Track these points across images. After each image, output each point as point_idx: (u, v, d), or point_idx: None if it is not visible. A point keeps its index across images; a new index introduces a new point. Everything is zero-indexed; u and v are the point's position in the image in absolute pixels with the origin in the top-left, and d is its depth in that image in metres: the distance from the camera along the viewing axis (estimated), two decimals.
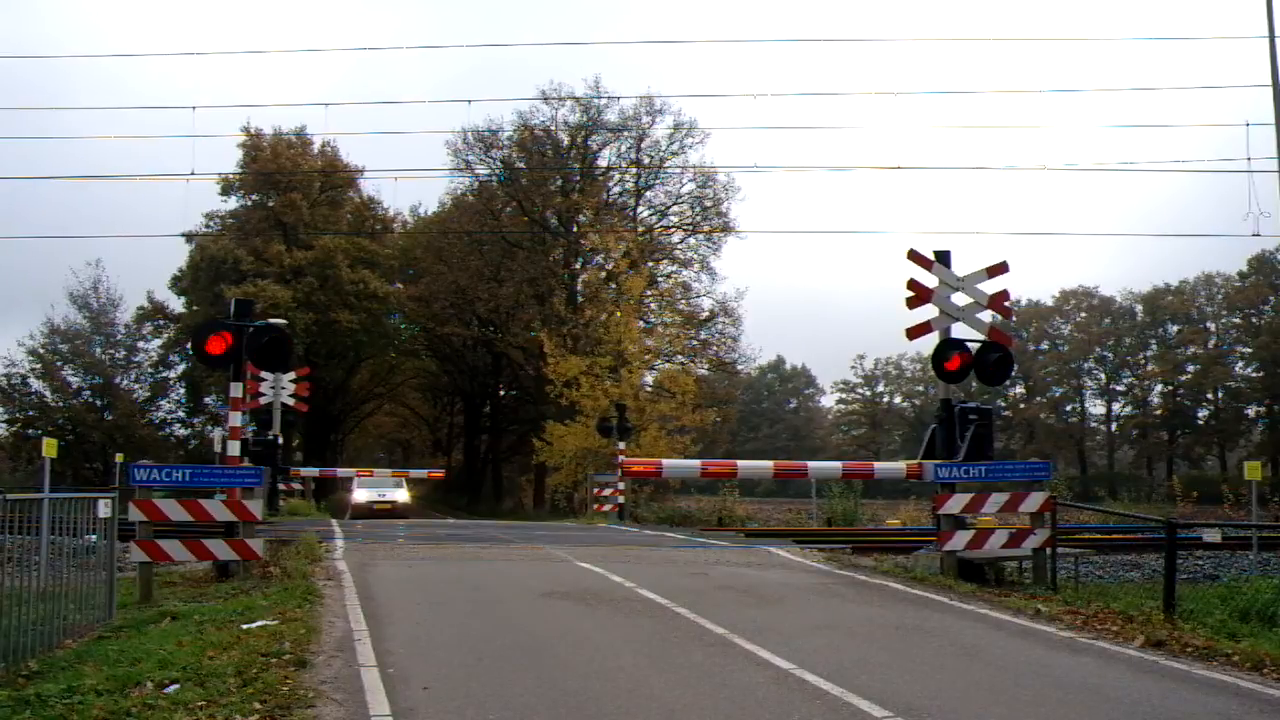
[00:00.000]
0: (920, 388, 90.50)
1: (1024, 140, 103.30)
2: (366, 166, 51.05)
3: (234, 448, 13.18)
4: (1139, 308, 75.99)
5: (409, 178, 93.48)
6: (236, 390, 13.37)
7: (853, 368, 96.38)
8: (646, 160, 46.52)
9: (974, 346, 13.46)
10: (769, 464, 20.03)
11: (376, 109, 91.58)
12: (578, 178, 46.12)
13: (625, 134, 46.21)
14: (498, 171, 47.48)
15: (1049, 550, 12.47)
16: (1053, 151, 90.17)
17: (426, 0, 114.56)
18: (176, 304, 48.83)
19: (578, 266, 45.55)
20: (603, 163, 47.30)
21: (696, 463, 19.64)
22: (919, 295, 13.36)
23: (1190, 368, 72.20)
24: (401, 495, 35.62)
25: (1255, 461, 18.98)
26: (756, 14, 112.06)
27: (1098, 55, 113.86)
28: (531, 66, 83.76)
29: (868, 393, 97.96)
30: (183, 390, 49.39)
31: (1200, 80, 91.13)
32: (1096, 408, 79.20)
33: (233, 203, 47.03)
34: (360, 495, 34.86)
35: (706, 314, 46.60)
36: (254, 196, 46.35)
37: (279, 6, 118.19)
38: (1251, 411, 70.78)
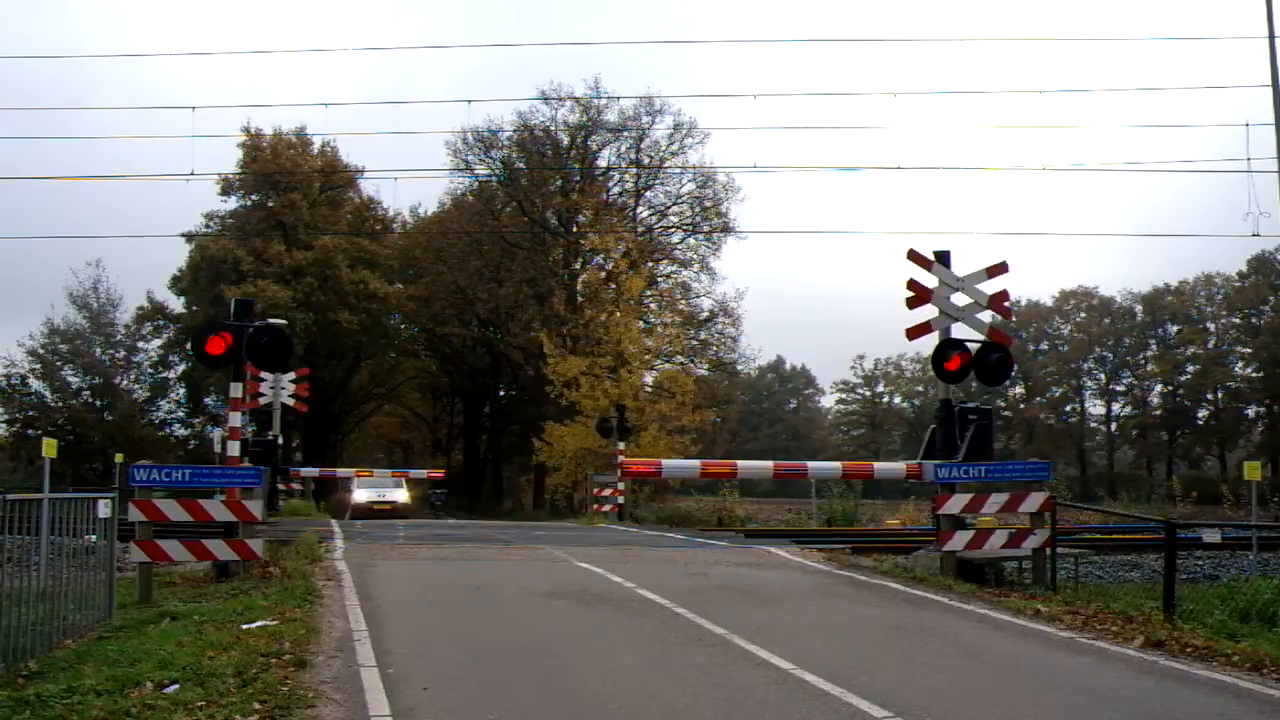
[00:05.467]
0: (920, 388, 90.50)
1: (1025, 140, 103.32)
2: (367, 166, 51.06)
3: (234, 448, 13.17)
4: (1139, 308, 75.99)
5: (409, 178, 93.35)
6: (236, 390, 13.37)
7: (852, 368, 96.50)
8: (646, 160, 46.55)
9: (974, 346, 13.46)
10: (769, 464, 20.01)
11: (377, 109, 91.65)
12: (577, 178, 46.13)
13: (625, 134, 46.24)
14: (498, 171, 47.49)
15: (1049, 550, 12.47)
16: (1055, 152, 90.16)
17: (432, 1, 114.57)
18: (176, 304, 48.89)
19: (578, 266, 45.55)
20: (602, 163, 47.37)
21: (696, 463, 19.62)
22: (919, 295, 13.36)
23: (1190, 368, 72.17)
24: (401, 495, 35.61)
25: (1255, 461, 18.93)
26: (756, 14, 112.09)
27: (1098, 56, 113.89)
28: (533, 67, 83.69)
29: (867, 393, 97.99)
30: (183, 390, 49.39)
31: (1201, 80, 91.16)
32: (1096, 408, 79.29)
33: (233, 203, 47.09)
34: (360, 495, 34.84)
35: (706, 314, 46.62)
36: (254, 196, 46.36)
37: (280, 6, 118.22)
38: (1251, 411, 70.79)
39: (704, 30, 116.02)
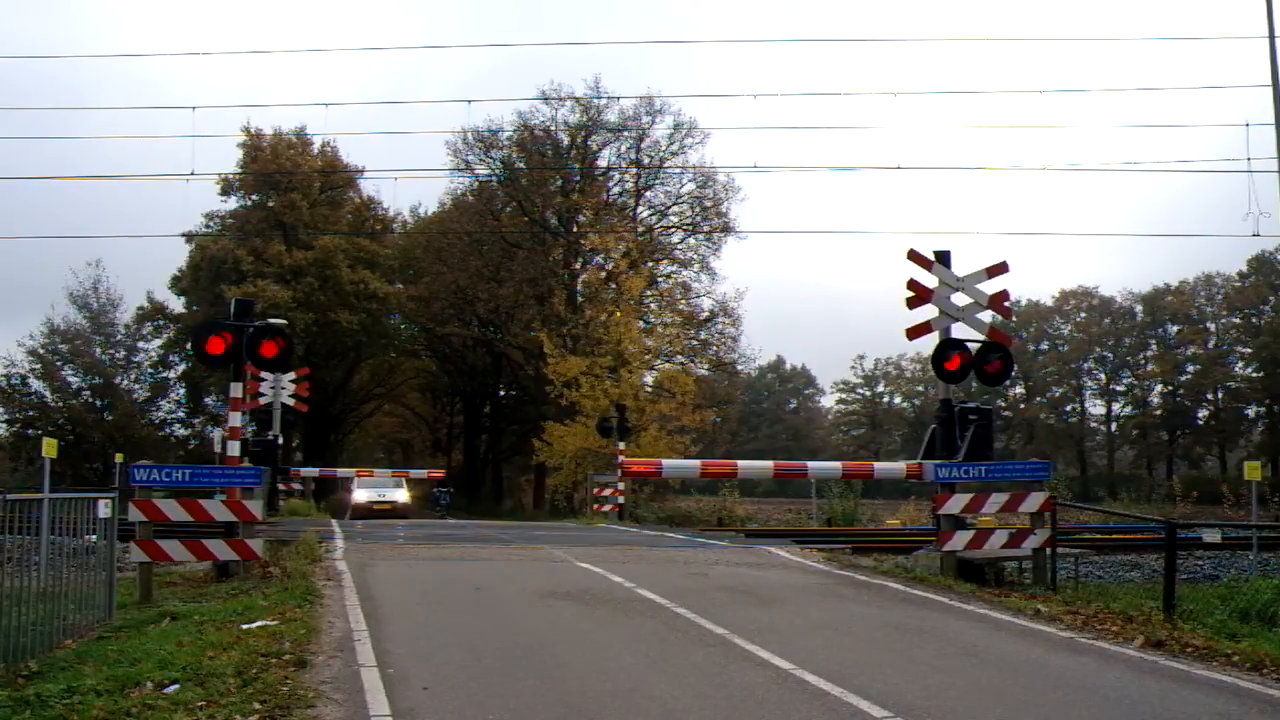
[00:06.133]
0: (920, 388, 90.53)
1: (1025, 140, 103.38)
2: (367, 166, 51.04)
3: (234, 448, 13.17)
4: (1139, 308, 76.01)
5: (409, 178, 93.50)
6: (236, 390, 13.37)
7: (852, 368, 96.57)
8: (646, 160, 46.55)
9: (974, 346, 13.46)
10: (769, 464, 19.98)
11: (377, 109, 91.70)
12: (578, 178, 46.11)
13: (625, 134, 46.23)
14: (498, 171, 47.48)
15: (1049, 550, 12.47)
16: (1054, 152, 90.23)
17: (435, 2, 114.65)
18: (176, 304, 48.87)
19: (578, 266, 45.54)
20: (603, 163, 47.36)
21: (696, 463, 19.61)
22: (919, 295, 13.36)
23: (1190, 368, 72.22)
24: (401, 495, 35.60)
25: (1255, 461, 18.97)
26: (756, 14, 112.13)
27: (1098, 56, 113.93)
28: (534, 68, 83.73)
29: (868, 393, 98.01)
30: (183, 390, 49.38)
31: (1201, 80, 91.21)
32: (1096, 408, 79.35)
33: (233, 203, 47.02)
34: (360, 495, 34.83)
35: (706, 314, 46.60)
36: (254, 196, 46.31)
37: (280, 6, 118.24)
38: (1251, 411, 70.81)
39: (704, 30, 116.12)
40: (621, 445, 28.66)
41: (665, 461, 22.27)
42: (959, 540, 12.60)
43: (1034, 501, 12.60)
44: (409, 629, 8.47)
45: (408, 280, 50.66)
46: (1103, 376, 77.71)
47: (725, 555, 15.00)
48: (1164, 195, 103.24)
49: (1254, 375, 69.63)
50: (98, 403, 46.93)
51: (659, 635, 8.42)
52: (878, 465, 20.28)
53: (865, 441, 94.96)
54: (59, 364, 46.19)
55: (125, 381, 48.62)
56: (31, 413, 45.56)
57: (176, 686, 6.33)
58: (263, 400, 27.68)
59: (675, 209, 47.54)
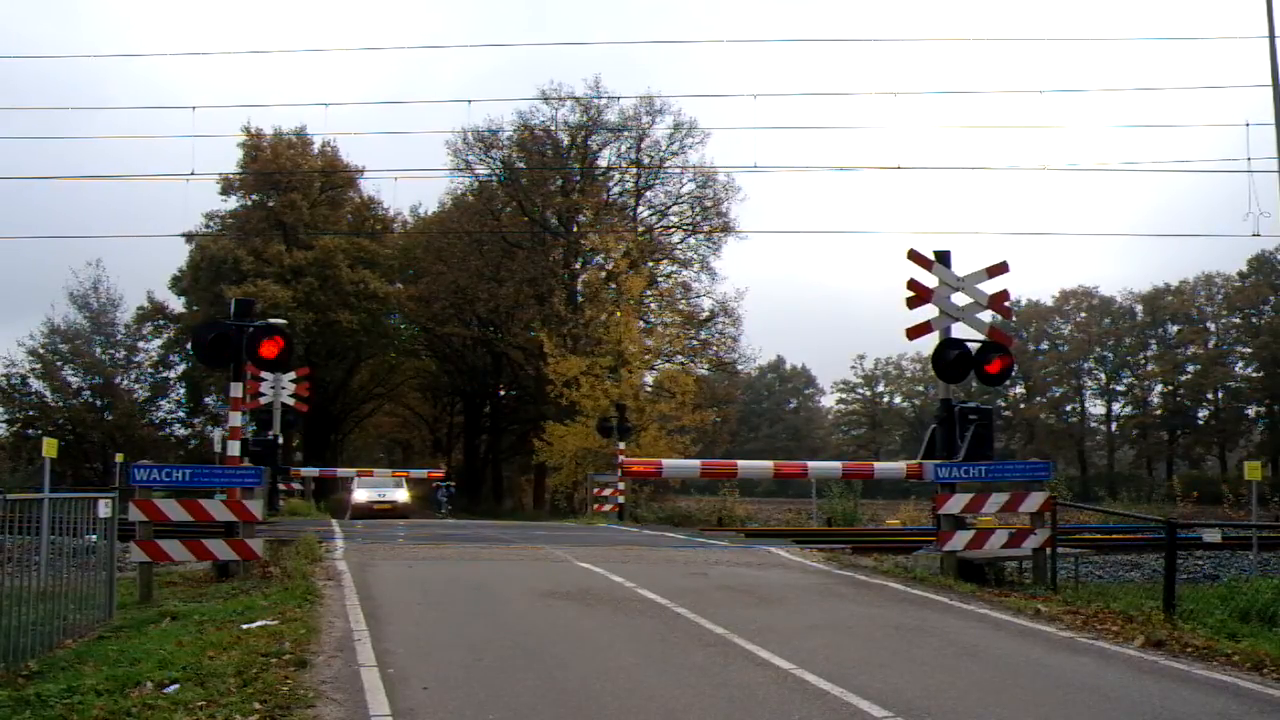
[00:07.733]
0: (920, 388, 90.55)
1: (1024, 140, 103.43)
2: (367, 166, 51.03)
3: (234, 448, 13.17)
4: (1139, 308, 76.03)
5: (409, 178, 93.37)
6: (236, 390, 13.37)
7: (853, 368, 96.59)
8: (646, 160, 46.54)
9: (974, 346, 13.46)
10: (769, 464, 20.00)
11: (377, 109, 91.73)
12: (578, 178, 46.11)
13: (625, 134, 46.22)
14: (498, 171, 47.47)
15: (1049, 550, 12.47)
16: (1054, 152, 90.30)
17: (442, 3, 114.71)
18: (176, 304, 48.92)
19: (578, 266, 45.55)
20: (603, 163, 47.34)
21: (696, 463, 19.64)
22: (919, 295, 13.37)
23: (1190, 368, 72.27)
24: (401, 495, 35.58)
25: (1255, 461, 19.01)
26: (756, 14, 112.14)
27: (1097, 56, 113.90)
28: (536, 68, 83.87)
29: (868, 393, 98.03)
30: (183, 390, 49.42)
31: (1201, 80, 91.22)
32: (1096, 408, 79.38)
33: (233, 203, 47.04)
34: (360, 495, 34.82)
35: (706, 314, 46.63)
36: (254, 196, 46.31)
37: (281, 6, 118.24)
38: (1251, 411, 70.85)
39: (704, 30, 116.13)
40: (621, 445, 28.66)
41: (665, 461, 22.28)
42: (959, 540, 12.60)
43: (1034, 501, 12.60)
44: (409, 629, 8.47)
45: (408, 280, 50.65)
46: (1103, 376, 77.73)
47: (725, 555, 15.00)
48: (1164, 196, 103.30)
49: (1254, 375, 69.68)
50: (98, 403, 46.96)
51: (659, 635, 8.42)
52: (878, 465, 20.31)
53: (865, 441, 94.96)
54: (59, 364, 46.22)
55: (125, 381, 48.72)
56: (31, 413, 45.60)
57: (176, 686, 6.33)
58: (263, 400, 27.66)
59: (675, 209, 47.60)
